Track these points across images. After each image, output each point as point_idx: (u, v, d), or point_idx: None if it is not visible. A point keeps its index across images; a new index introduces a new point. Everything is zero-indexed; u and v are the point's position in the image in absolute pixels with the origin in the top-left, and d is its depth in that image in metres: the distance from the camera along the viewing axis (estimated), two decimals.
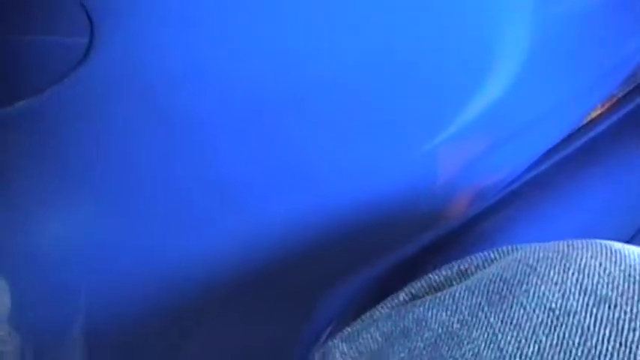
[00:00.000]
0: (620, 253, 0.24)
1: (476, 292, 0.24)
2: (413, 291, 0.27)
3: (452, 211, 0.36)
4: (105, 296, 0.34)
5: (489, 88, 0.32)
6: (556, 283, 0.23)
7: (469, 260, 0.28)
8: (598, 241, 0.25)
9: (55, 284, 0.33)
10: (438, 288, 0.27)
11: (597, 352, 0.20)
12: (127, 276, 0.33)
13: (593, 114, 0.39)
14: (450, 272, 0.28)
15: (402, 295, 0.27)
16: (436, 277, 0.28)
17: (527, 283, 0.23)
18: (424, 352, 0.23)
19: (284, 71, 0.28)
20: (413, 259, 0.39)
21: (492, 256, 0.27)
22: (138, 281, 0.33)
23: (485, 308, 0.23)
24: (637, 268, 0.23)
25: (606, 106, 0.39)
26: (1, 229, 0.32)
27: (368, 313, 0.27)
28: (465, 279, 0.26)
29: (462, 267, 0.27)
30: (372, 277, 0.38)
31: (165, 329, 0.35)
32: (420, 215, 0.35)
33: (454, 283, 0.27)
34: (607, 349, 0.20)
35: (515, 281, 0.23)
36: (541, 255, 0.24)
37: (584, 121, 0.40)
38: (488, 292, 0.24)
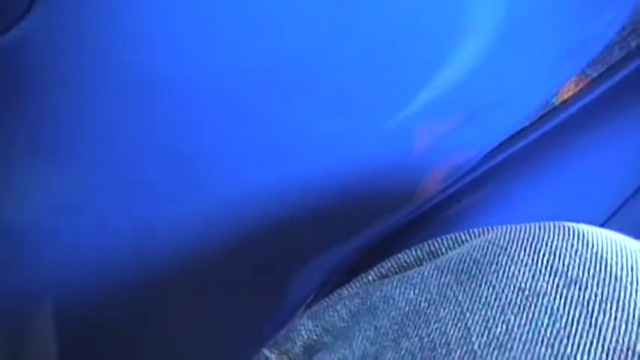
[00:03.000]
0: (592, 236, 0.23)
1: (445, 271, 0.23)
2: (382, 271, 0.27)
3: (424, 187, 0.36)
4: (71, 270, 0.33)
5: (458, 62, 0.32)
6: (526, 264, 0.22)
7: (439, 241, 0.27)
8: (570, 224, 0.24)
9: (23, 258, 0.33)
10: (407, 268, 0.27)
11: (566, 333, 0.20)
12: (93, 249, 0.33)
13: (566, 94, 0.39)
14: (419, 252, 0.27)
15: (371, 275, 0.27)
16: (406, 256, 0.27)
17: (497, 263, 0.23)
18: (390, 331, 0.22)
19: (256, 39, 0.28)
20: (386, 239, 0.39)
21: (463, 237, 0.27)
22: (106, 254, 0.33)
23: (454, 287, 0.22)
24: (608, 251, 0.22)
25: (580, 86, 0.39)
26: None
27: (336, 292, 0.27)
28: (435, 259, 0.26)
29: (432, 247, 0.27)
30: (347, 256, 0.38)
31: (137, 305, 0.35)
32: (392, 191, 0.34)
33: (423, 263, 0.26)
34: (576, 330, 0.20)
35: (485, 261, 0.23)
36: (512, 236, 0.24)
37: (557, 102, 0.39)
38: (457, 271, 0.23)
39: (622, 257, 0.22)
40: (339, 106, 0.31)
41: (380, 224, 0.37)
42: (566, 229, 0.24)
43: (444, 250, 0.27)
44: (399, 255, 0.27)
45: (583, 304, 0.21)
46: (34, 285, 0.33)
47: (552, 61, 0.36)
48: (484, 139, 0.37)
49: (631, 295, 0.21)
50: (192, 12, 0.27)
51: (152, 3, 0.26)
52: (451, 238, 0.27)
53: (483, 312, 0.21)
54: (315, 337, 0.25)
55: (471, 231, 0.27)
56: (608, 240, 0.23)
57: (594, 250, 0.23)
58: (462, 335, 0.21)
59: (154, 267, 0.33)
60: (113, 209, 0.32)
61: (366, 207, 0.35)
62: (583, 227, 0.24)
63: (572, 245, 0.23)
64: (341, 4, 0.28)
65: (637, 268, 0.22)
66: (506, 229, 0.25)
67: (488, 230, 0.26)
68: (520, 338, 0.20)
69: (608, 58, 0.39)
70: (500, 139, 0.39)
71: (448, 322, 0.21)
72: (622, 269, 0.22)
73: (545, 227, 0.24)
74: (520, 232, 0.24)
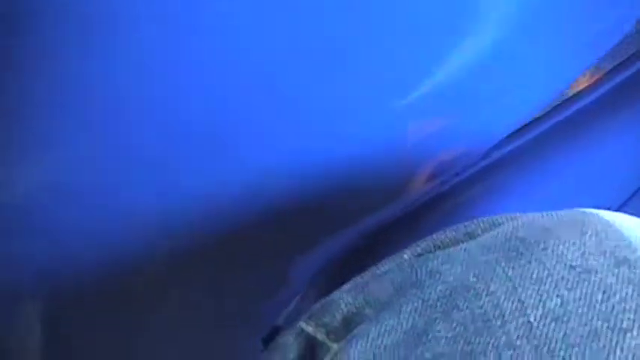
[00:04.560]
0: (635, 221, 0.24)
1: (492, 248, 0.24)
2: (418, 249, 0.27)
3: (419, 178, 0.36)
4: (71, 254, 0.33)
5: (471, 51, 0.32)
6: (574, 244, 0.23)
7: (475, 222, 0.27)
8: (610, 212, 0.25)
9: (22, 234, 0.32)
10: (443, 248, 0.27)
11: (622, 309, 0.20)
12: (100, 226, 0.32)
13: (580, 86, 0.40)
14: (455, 234, 0.27)
15: (406, 254, 0.27)
16: (442, 237, 0.27)
17: (545, 242, 0.23)
18: (438, 303, 0.23)
19: (267, 22, 0.28)
20: (390, 228, 0.39)
21: (500, 220, 0.27)
22: (111, 232, 0.33)
23: (503, 263, 0.23)
24: None
25: (594, 78, 0.40)
26: None
27: (370, 269, 0.27)
28: (472, 240, 0.26)
29: (468, 229, 0.27)
30: (346, 246, 0.38)
31: (137, 286, 0.34)
32: (393, 178, 0.35)
33: (462, 243, 0.26)
34: (631, 307, 0.20)
35: (533, 240, 0.23)
36: (555, 219, 0.24)
37: (570, 93, 0.40)
38: (504, 249, 0.23)
39: None
40: (333, 90, 0.31)
41: (376, 214, 0.37)
42: (607, 214, 0.24)
43: (480, 231, 0.27)
44: (434, 236, 0.28)
45: (635, 283, 0.21)
46: (26, 277, 0.33)
47: (566, 54, 0.37)
48: (494, 129, 0.38)
49: None
50: None
51: None
52: (487, 220, 0.27)
53: (536, 287, 0.21)
54: (354, 310, 0.25)
55: (506, 215, 0.27)
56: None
57: (636, 233, 0.23)
58: (515, 308, 0.21)
59: (158, 249, 0.33)
60: (116, 190, 0.31)
61: (363, 195, 0.35)
62: (618, 215, 0.25)
63: (617, 229, 0.23)
64: None
65: None
66: (547, 213, 0.25)
67: (525, 215, 0.26)
68: (576, 312, 0.20)
69: (622, 51, 0.39)
70: (510, 129, 0.39)
71: (500, 295, 0.22)
72: None
73: (587, 212, 0.24)
74: (563, 216, 0.25)
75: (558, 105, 0.40)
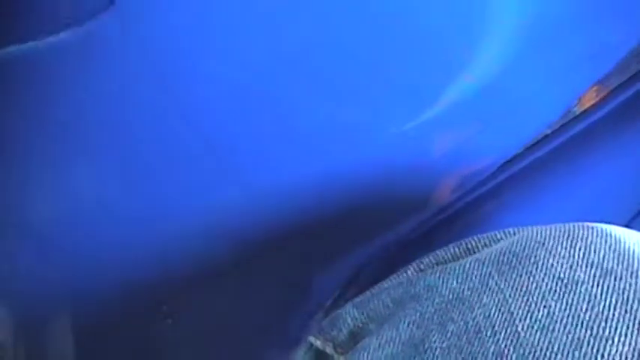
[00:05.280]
0: (625, 235, 0.25)
1: (486, 262, 0.25)
2: (421, 266, 0.28)
3: (442, 192, 0.37)
4: (94, 270, 0.34)
5: (480, 67, 0.33)
6: (563, 257, 0.24)
7: (476, 239, 0.29)
8: (602, 224, 0.26)
9: (50, 250, 0.33)
10: (445, 263, 0.28)
11: (604, 317, 0.21)
12: (121, 243, 0.33)
13: (587, 104, 0.40)
14: (457, 250, 0.29)
15: (410, 270, 0.28)
16: (443, 253, 0.29)
17: (536, 256, 0.24)
18: (435, 316, 0.24)
19: (279, 39, 0.29)
20: (407, 246, 0.40)
21: (499, 236, 0.28)
22: (132, 247, 0.33)
23: (496, 277, 0.24)
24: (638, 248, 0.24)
25: (600, 95, 0.40)
26: None
27: (377, 285, 0.28)
28: (473, 255, 0.27)
29: (469, 245, 0.29)
30: (366, 263, 0.38)
31: (160, 299, 0.35)
32: (409, 195, 0.35)
33: (461, 259, 0.28)
34: (614, 315, 0.21)
35: (524, 254, 0.24)
36: (548, 233, 0.26)
37: (578, 111, 0.41)
38: (497, 262, 0.25)
39: None
40: (361, 102, 0.32)
41: (398, 227, 0.38)
42: (599, 227, 0.25)
43: (480, 247, 0.28)
44: (437, 252, 0.29)
45: (619, 293, 0.22)
46: (54, 289, 0.34)
47: (573, 66, 0.37)
48: (505, 144, 0.38)
49: None
50: (218, 6, 0.28)
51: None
52: (487, 236, 0.28)
53: (525, 298, 0.23)
54: (360, 325, 0.26)
55: (506, 230, 0.28)
56: (636, 237, 0.25)
57: (626, 246, 0.24)
58: (505, 319, 0.22)
59: (180, 263, 0.34)
60: (135, 204, 0.32)
61: (383, 208, 0.35)
62: (613, 227, 0.26)
63: (606, 241, 0.24)
64: (370, 3, 0.30)
65: None
66: (542, 227, 0.27)
67: (523, 229, 0.28)
68: (561, 321, 0.22)
69: (629, 69, 0.40)
70: (521, 145, 0.39)
71: (492, 307, 0.23)
72: None
73: (579, 226, 0.26)
74: (556, 229, 0.26)
75: (567, 123, 0.40)
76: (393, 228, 0.37)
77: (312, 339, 0.27)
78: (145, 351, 0.37)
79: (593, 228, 0.25)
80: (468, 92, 0.33)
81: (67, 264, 0.34)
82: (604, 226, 0.26)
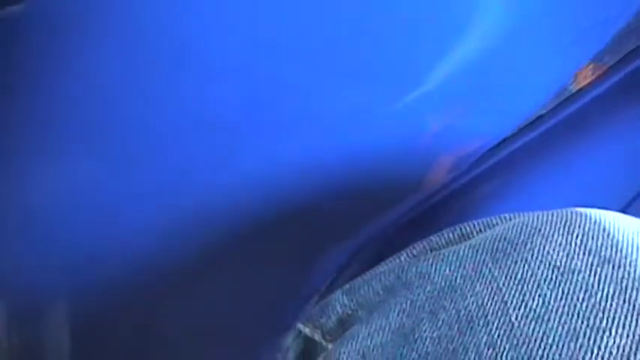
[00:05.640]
0: (623, 220, 0.24)
1: (480, 249, 0.24)
2: (414, 252, 0.27)
3: (435, 174, 0.36)
4: (94, 255, 0.33)
5: (471, 43, 0.32)
6: (560, 244, 0.23)
7: (471, 225, 0.28)
8: (599, 210, 0.25)
9: (47, 242, 0.33)
10: (438, 249, 0.27)
11: (601, 308, 0.21)
12: (119, 233, 0.33)
13: (583, 82, 0.40)
14: (451, 235, 0.28)
15: (403, 256, 0.28)
16: (437, 239, 0.28)
17: (532, 243, 0.23)
18: (426, 304, 0.23)
19: (278, 21, 0.29)
20: (400, 230, 0.39)
21: (494, 221, 0.27)
22: (130, 237, 0.33)
23: (490, 264, 0.23)
24: (637, 234, 0.23)
25: (596, 74, 0.39)
26: None
27: (368, 271, 0.27)
28: (467, 241, 0.26)
29: (463, 230, 0.28)
30: (362, 246, 0.38)
31: (160, 284, 0.35)
32: (401, 177, 0.35)
33: (455, 244, 0.27)
34: (611, 305, 0.21)
35: (520, 241, 0.24)
36: (545, 219, 0.25)
37: (575, 89, 0.40)
38: (492, 250, 0.24)
39: None
40: (350, 82, 0.31)
41: (393, 210, 0.37)
42: (597, 213, 0.25)
43: (475, 233, 0.27)
44: (431, 237, 0.28)
45: (617, 282, 0.21)
46: (50, 282, 0.34)
47: (566, 44, 0.36)
48: (499, 124, 0.38)
49: None
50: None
51: None
52: (482, 222, 0.28)
53: (519, 287, 0.22)
54: (349, 312, 0.26)
55: (501, 216, 0.28)
56: (633, 224, 0.24)
57: (625, 233, 0.23)
58: (498, 308, 0.21)
59: (181, 246, 0.34)
60: (132, 192, 0.32)
61: (379, 190, 0.35)
62: (610, 213, 0.25)
63: (604, 228, 0.23)
64: None
65: None
66: (539, 213, 0.26)
67: (519, 215, 0.27)
68: (556, 311, 0.21)
69: (625, 46, 0.39)
70: (516, 124, 0.39)
71: (485, 296, 0.22)
72: None
73: (577, 212, 0.25)
74: (553, 215, 0.25)
75: (562, 102, 0.40)
76: (388, 210, 0.37)
77: (300, 326, 0.26)
78: (140, 343, 0.36)
79: (590, 214, 0.24)
80: (459, 70, 0.33)
81: (64, 256, 0.33)
82: (601, 212, 0.25)
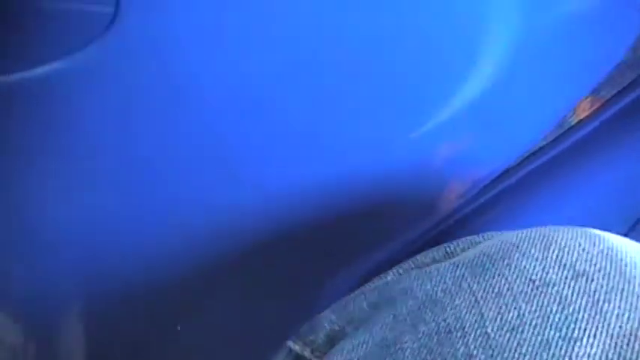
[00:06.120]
0: (599, 236, 0.25)
1: (460, 265, 0.25)
2: (400, 270, 0.28)
3: (447, 198, 0.37)
4: (106, 274, 0.34)
5: (475, 81, 0.34)
6: (537, 259, 0.24)
7: (455, 243, 0.29)
8: (579, 227, 0.26)
9: (60, 252, 0.34)
10: (423, 267, 0.28)
11: (574, 319, 0.21)
12: (130, 252, 0.33)
13: (582, 114, 0.41)
14: (436, 254, 0.29)
15: (390, 275, 0.28)
16: (423, 257, 0.29)
17: (510, 258, 0.24)
18: (408, 318, 0.24)
19: (287, 48, 0.30)
20: (414, 251, 0.40)
21: (478, 239, 0.28)
22: (143, 250, 0.34)
23: (469, 279, 0.24)
24: (614, 249, 0.24)
25: (595, 106, 0.41)
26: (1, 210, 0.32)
27: (357, 290, 0.28)
28: (452, 258, 0.27)
29: (448, 249, 0.29)
30: (372, 271, 0.39)
31: (166, 308, 0.35)
32: (412, 203, 0.36)
33: (440, 262, 0.28)
34: (583, 317, 0.21)
35: (499, 256, 0.24)
36: (524, 235, 0.26)
37: (574, 121, 0.41)
38: (472, 265, 0.25)
39: (627, 253, 0.23)
40: (368, 112, 0.32)
41: (400, 237, 0.38)
42: (575, 230, 0.25)
43: (459, 251, 0.28)
44: (417, 257, 0.29)
45: (590, 294, 0.22)
46: (61, 288, 0.34)
47: (566, 79, 0.38)
48: (503, 153, 0.39)
49: (635, 286, 0.22)
50: (220, 20, 0.29)
51: (182, 15, 0.28)
52: (466, 240, 0.28)
53: (496, 300, 0.23)
54: (337, 328, 0.26)
55: (486, 234, 0.28)
56: (615, 240, 0.25)
57: (601, 247, 0.24)
58: (476, 320, 0.22)
59: (185, 270, 0.34)
60: (156, 212, 0.33)
61: (391, 215, 0.36)
62: (591, 230, 0.26)
63: (580, 244, 0.24)
64: (374, 16, 0.30)
65: None
66: (520, 231, 0.27)
67: (502, 233, 0.28)
68: (531, 323, 0.22)
69: (621, 79, 0.40)
70: (518, 154, 0.40)
71: (463, 309, 0.23)
72: (627, 264, 0.23)
73: (554, 228, 0.26)
74: (531, 232, 0.26)
75: (563, 133, 0.41)
76: (400, 234, 0.38)
77: (290, 343, 0.27)
78: (153, 351, 0.37)
79: (569, 230, 0.25)
80: (468, 104, 0.34)
81: (77, 266, 0.34)
82: (583, 228, 0.26)
